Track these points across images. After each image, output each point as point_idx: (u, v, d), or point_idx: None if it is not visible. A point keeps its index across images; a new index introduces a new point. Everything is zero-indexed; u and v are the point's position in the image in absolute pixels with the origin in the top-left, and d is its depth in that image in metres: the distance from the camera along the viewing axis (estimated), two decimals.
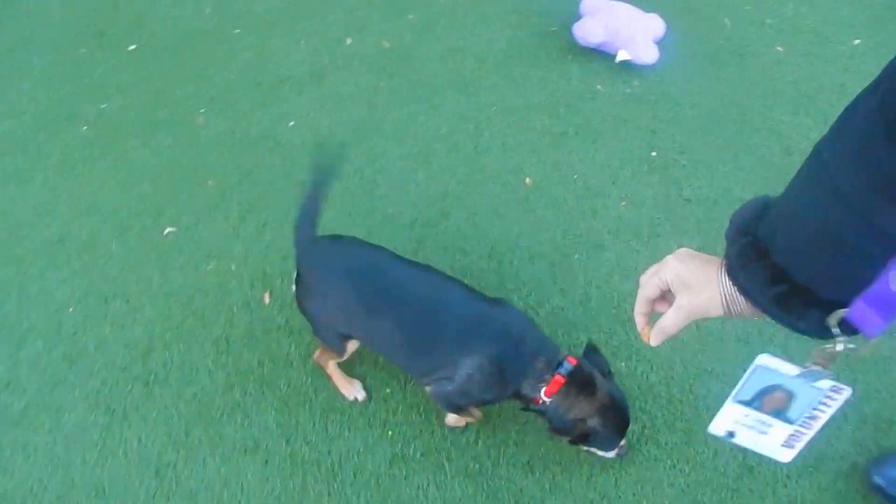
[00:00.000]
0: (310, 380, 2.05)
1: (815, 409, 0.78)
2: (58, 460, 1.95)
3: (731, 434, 0.86)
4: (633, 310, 1.04)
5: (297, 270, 1.86)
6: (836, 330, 0.80)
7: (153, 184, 2.51)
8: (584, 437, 1.71)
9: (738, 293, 0.91)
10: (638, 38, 2.61)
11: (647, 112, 2.57)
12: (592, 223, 2.32)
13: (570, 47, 2.75)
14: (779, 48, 2.73)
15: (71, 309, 2.23)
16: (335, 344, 1.86)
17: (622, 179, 2.42)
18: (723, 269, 0.94)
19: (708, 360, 2.06)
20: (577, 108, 2.61)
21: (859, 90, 0.79)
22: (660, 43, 2.69)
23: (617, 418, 1.72)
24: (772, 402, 0.80)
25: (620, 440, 1.77)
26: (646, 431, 1.94)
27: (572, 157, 2.47)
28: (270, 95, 2.73)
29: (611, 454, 1.81)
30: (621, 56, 2.61)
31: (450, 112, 2.63)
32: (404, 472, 1.90)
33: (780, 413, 0.80)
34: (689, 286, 0.97)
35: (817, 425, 0.79)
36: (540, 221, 2.34)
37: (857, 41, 2.73)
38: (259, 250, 2.32)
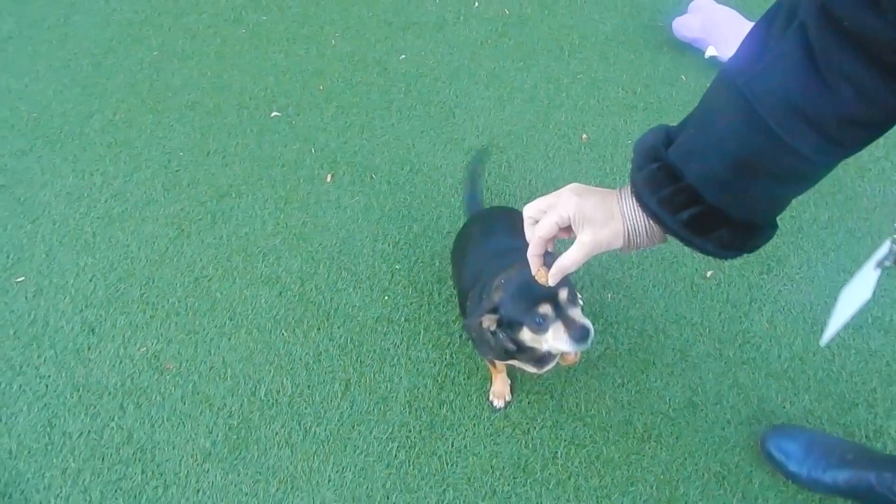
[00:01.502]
0: (337, 244, 2.37)
1: None
2: (128, 252, 2.40)
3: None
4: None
5: None
6: None
7: (277, 79, 2.97)
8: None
9: (643, 221, 0.93)
10: (731, 38, 2.73)
11: None
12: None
13: (668, 41, 2.90)
14: None
15: (181, 153, 2.71)
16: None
17: None
18: (627, 196, 0.95)
19: (689, 311, 2.15)
20: (655, 89, 2.76)
21: None
22: None
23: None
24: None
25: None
26: (607, 351, 2.07)
27: (632, 126, 2.63)
28: (395, 34, 3.12)
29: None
30: (710, 52, 2.74)
31: (540, 72, 2.88)
32: (385, 330, 2.16)
33: None
34: (592, 221, 0.95)
35: None
36: (583, 171, 2.52)
37: None
38: (338, 143, 2.69)
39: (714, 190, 0.88)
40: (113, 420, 2.05)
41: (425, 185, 2.52)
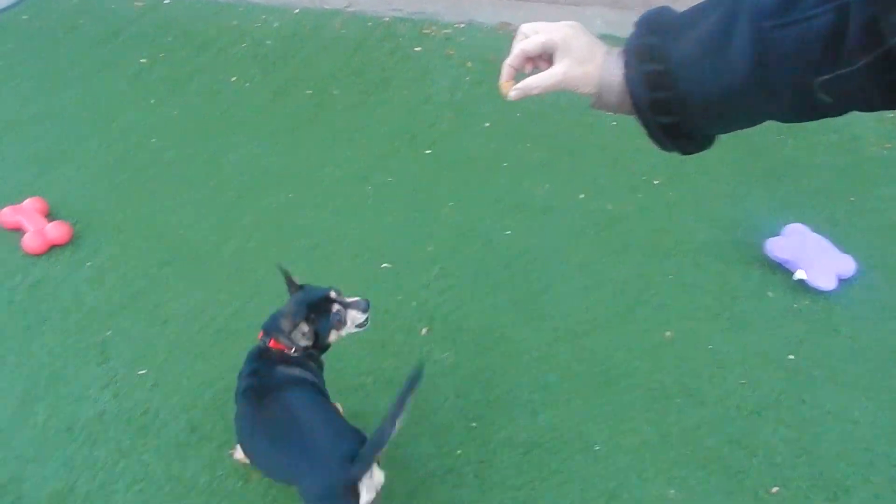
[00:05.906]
0: (421, 393, 2.55)
1: None
2: (237, 366, 2.65)
3: None
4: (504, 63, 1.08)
5: None
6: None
7: (391, 235, 3.30)
8: None
9: (619, 83, 0.98)
10: (821, 266, 2.89)
11: (803, 326, 2.79)
12: (707, 387, 2.58)
13: (759, 258, 3.07)
14: None
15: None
16: None
17: (751, 366, 2.65)
18: (615, 55, 1.00)
19: None
20: (742, 302, 2.91)
21: None
22: (847, 280, 2.93)
23: None
24: None
25: None
26: None
27: (715, 334, 2.77)
28: (503, 212, 3.42)
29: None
30: (799, 275, 2.89)
31: (632, 268, 3.09)
32: (455, 482, 2.28)
33: None
34: (572, 55, 1.00)
35: None
36: (661, 368, 2.65)
37: None
38: (437, 301, 2.94)
39: (696, 107, 0.95)
40: None
41: (506, 356, 2.70)
